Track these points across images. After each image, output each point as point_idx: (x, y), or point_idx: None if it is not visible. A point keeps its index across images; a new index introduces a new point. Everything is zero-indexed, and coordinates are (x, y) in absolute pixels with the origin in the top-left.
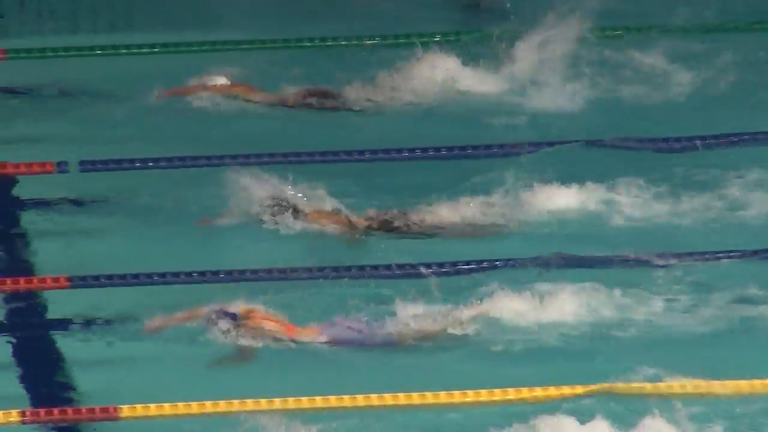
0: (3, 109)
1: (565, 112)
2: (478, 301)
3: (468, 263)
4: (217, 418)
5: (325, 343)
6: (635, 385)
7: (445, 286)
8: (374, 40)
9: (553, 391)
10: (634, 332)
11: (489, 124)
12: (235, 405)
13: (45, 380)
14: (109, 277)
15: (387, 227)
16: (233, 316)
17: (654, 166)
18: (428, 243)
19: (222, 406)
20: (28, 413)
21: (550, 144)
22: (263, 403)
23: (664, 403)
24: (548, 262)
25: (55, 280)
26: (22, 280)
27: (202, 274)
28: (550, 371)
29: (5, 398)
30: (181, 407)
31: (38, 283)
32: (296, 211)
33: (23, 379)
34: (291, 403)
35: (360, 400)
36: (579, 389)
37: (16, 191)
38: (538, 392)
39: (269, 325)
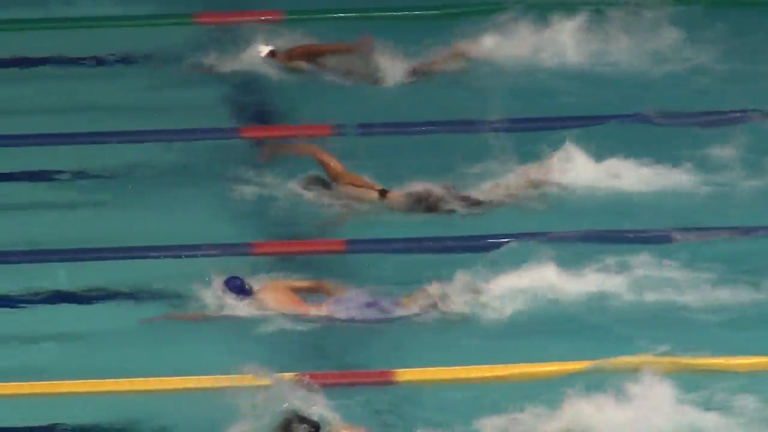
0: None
1: None
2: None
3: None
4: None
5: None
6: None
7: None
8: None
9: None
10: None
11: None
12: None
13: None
14: (386, 241)
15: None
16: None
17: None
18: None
19: (484, 370)
20: (306, 377)
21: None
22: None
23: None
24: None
25: (331, 243)
26: (296, 243)
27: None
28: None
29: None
30: (461, 371)
31: (314, 247)
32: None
33: (292, 344)
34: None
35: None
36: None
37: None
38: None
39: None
